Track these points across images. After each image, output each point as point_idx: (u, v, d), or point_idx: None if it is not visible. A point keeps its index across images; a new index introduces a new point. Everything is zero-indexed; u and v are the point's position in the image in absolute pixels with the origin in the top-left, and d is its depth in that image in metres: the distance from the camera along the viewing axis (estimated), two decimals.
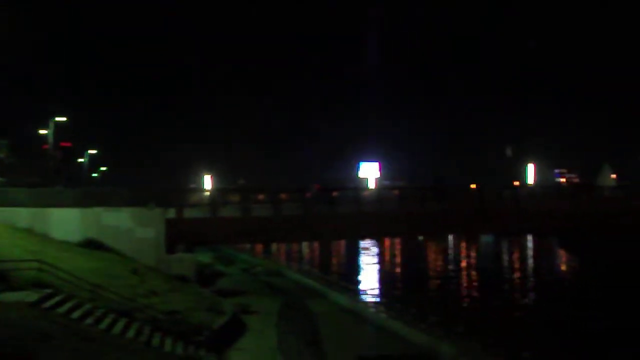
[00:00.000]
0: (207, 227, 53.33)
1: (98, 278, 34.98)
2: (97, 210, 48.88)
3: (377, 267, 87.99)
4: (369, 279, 74.41)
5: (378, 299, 56.43)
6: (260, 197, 63.79)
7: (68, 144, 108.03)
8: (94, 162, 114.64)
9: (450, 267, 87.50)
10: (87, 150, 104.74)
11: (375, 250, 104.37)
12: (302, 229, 57.85)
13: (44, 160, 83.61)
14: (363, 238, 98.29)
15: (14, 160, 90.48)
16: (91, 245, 46.22)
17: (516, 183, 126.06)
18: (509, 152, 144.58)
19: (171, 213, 51.99)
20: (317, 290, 55.80)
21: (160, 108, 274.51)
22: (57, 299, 27.90)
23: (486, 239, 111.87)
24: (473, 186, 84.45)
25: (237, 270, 70.10)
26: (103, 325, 27.25)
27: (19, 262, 30.61)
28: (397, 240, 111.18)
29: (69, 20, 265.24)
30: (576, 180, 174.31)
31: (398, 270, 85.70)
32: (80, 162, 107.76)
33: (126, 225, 48.95)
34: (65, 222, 47.45)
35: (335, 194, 63.58)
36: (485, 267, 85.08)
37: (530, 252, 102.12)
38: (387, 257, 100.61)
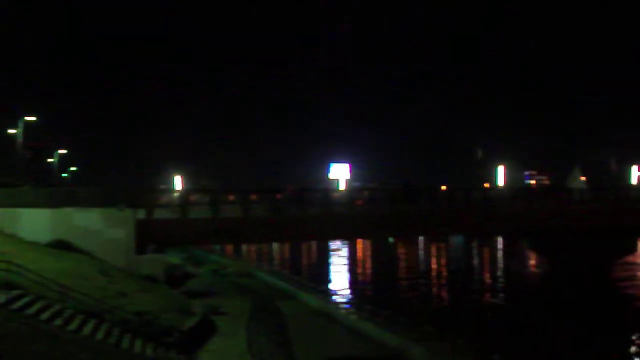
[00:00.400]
0: (177, 228, 53.12)
1: (67, 279, 34.73)
2: (67, 210, 48.50)
3: (347, 268, 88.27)
4: (340, 280, 74.59)
5: (348, 300, 56.58)
6: (231, 197, 63.60)
7: (39, 144, 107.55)
8: (65, 162, 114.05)
9: (420, 268, 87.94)
10: (57, 150, 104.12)
11: (345, 251, 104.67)
12: (272, 230, 57.81)
13: (13, 160, 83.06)
14: (333, 239, 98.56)
15: None
16: (61, 245, 45.82)
17: (486, 185, 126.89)
18: (479, 154, 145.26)
19: (141, 214, 51.71)
20: (288, 291, 55.83)
21: (139, 107, 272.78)
22: (26, 300, 27.68)
23: (456, 240, 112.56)
24: (443, 188, 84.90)
25: (207, 271, 69.86)
26: (72, 326, 27.08)
27: None
28: (368, 242, 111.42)
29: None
30: (546, 182, 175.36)
31: (368, 271, 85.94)
32: (50, 162, 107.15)
33: (96, 225, 48.59)
34: (35, 222, 47.00)
35: (307, 195, 63.61)
36: (455, 268, 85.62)
37: (500, 254, 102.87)
38: (358, 258, 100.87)
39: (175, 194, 68.95)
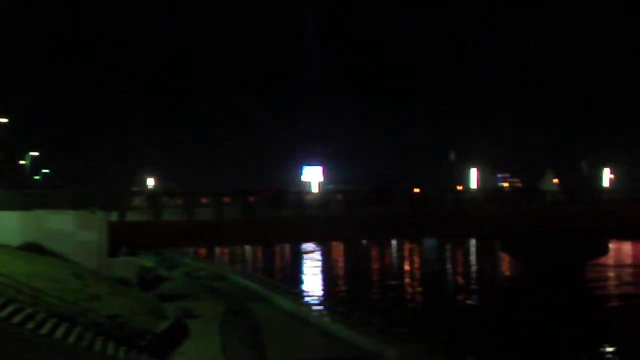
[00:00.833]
0: (150, 231, 53.01)
1: (39, 282, 34.52)
2: (39, 213, 48.21)
3: (320, 270, 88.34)
4: (313, 283, 74.63)
5: (322, 303, 56.60)
6: (204, 200, 63.44)
7: (10, 145, 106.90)
8: (38, 164, 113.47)
9: (394, 270, 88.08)
10: (29, 152, 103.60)
11: (319, 253, 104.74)
12: (245, 233, 57.80)
13: None
14: (307, 242, 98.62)
15: None
16: (32, 248, 45.55)
17: (459, 187, 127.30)
18: (452, 156, 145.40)
19: (114, 216, 51.52)
20: (261, 294, 55.68)
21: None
22: None
23: (429, 242, 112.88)
24: (417, 190, 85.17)
25: (180, 274, 69.55)
26: (44, 329, 26.90)
27: None
28: (342, 244, 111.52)
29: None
30: (519, 184, 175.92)
31: (342, 273, 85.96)
32: (22, 164, 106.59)
33: (68, 228, 48.33)
34: (5, 225, 46.68)
35: (281, 197, 63.69)
36: (428, 270, 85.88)
37: (472, 256, 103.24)
38: (331, 261, 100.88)
39: (149, 196, 68.69)
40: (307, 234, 63.83)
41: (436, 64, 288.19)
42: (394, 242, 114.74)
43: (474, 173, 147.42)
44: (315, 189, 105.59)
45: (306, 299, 58.01)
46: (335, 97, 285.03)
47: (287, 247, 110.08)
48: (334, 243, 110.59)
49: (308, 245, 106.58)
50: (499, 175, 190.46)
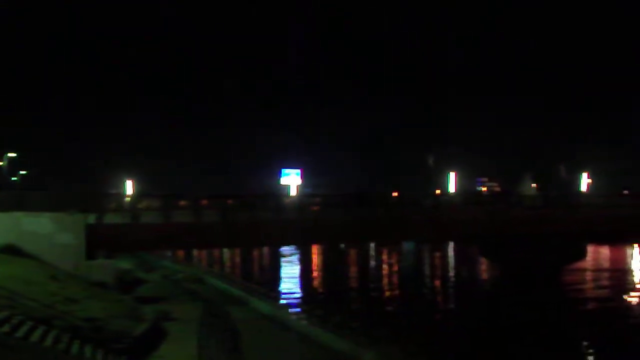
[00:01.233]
0: (128, 233, 52.90)
1: (16, 285, 34.38)
2: (16, 214, 47.99)
3: (298, 273, 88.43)
4: (291, 286, 74.64)
5: (299, 306, 56.62)
6: (182, 203, 63.37)
7: None
8: (16, 165, 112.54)
9: (371, 273, 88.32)
10: (7, 153, 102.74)
11: (297, 257, 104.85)
12: (223, 236, 57.79)
13: None
14: (284, 245, 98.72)
15: None
16: (9, 250, 45.24)
17: (438, 191, 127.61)
18: (430, 160, 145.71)
19: (92, 218, 51.38)
20: (239, 297, 55.67)
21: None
22: None
23: (407, 246, 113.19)
24: (395, 194, 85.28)
25: (158, 277, 69.50)
26: (20, 332, 26.76)
27: None
28: (320, 248, 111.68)
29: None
30: (497, 188, 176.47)
31: (320, 277, 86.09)
32: None
33: (46, 230, 48.13)
34: None
35: (258, 201, 63.75)
36: (406, 273, 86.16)
37: (450, 260, 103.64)
38: (309, 264, 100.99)
39: (127, 199, 68.56)
40: (285, 237, 63.87)
41: (412, 67, 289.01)
42: (371, 246, 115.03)
43: (452, 177, 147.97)
44: (293, 192, 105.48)
45: (284, 302, 58.00)
46: (316, 102, 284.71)
47: (266, 250, 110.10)
48: (312, 246, 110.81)
49: (286, 249, 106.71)
50: (478, 179, 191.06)
